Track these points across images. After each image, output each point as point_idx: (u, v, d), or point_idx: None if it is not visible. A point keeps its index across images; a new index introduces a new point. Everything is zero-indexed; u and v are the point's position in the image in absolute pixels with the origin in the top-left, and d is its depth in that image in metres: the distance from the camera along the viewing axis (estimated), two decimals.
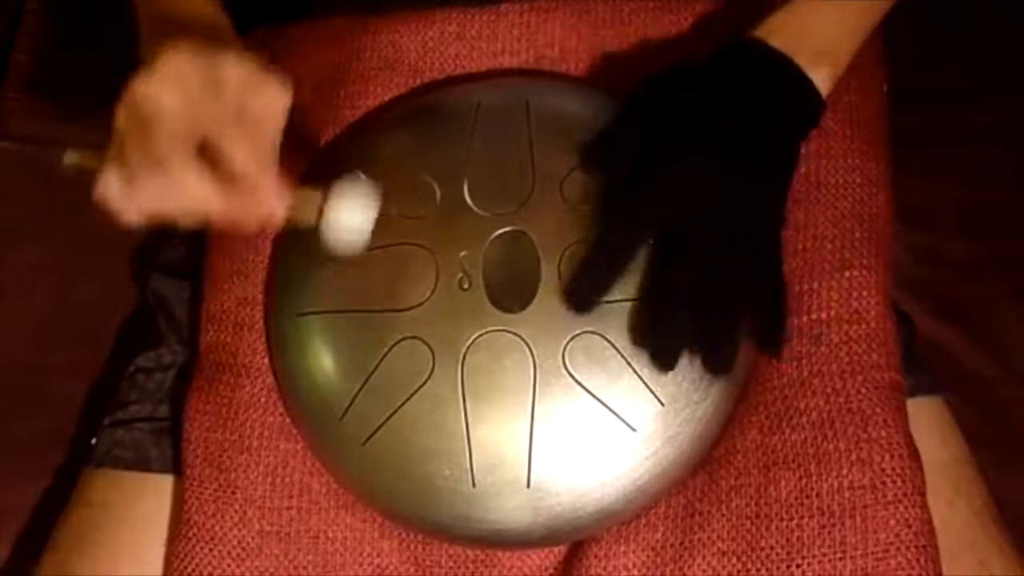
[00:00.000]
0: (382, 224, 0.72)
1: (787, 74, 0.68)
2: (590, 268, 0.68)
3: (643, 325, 0.68)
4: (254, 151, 0.61)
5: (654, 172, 0.67)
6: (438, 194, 0.73)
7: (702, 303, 0.65)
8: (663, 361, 0.67)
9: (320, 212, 0.66)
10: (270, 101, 0.63)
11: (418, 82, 0.80)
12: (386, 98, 0.80)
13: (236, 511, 0.73)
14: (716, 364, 0.66)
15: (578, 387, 0.68)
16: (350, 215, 0.66)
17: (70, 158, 0.66)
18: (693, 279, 0.65)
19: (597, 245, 0.68)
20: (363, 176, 0.67)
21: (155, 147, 0.59)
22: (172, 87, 0.59)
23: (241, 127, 0.61)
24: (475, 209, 0.72)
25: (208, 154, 0.61)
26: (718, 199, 0.66)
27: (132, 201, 0.61)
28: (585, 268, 0.68)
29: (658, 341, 0.67)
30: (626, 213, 0.67)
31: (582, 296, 0.68)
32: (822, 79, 0.69)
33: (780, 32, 0.69)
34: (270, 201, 0.62)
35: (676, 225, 0.66)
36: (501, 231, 0.71)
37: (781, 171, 0.69)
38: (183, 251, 0.87)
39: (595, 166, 0.71)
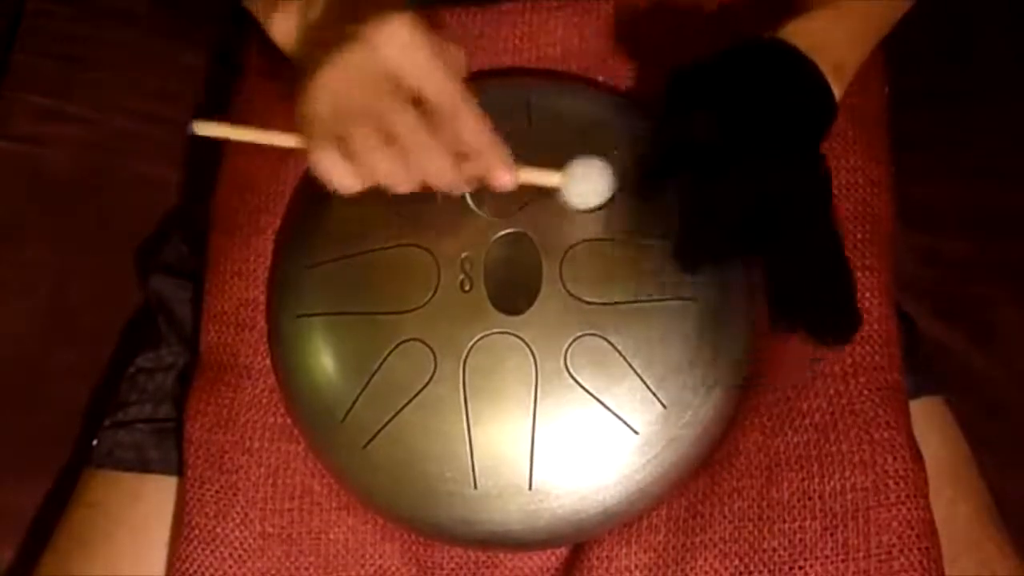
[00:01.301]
0: (383, 225, 0.72)
1: (812, 73, 0.68)
2: (696, 229, 0.66)
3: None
4: (482, 123, 0.63)
5: (737, 153, 0.65)
6: (439, 195, 0.72)
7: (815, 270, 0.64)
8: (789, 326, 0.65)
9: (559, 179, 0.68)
10: (457, 63, 0.65)
11: None
12: None
13: (237, 512, 0.73)
14: (842, 334, 0.65)
15: (580, 389, 0.68)
16: (589, 184, 0.68)
17: (199, 128, 0.68)
18: (802, 253, 0.64)
19: (694, 209, 0.66)
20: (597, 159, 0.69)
21: (399, 123, 0.61)
22: (406, 56, 0.61)
23: (468, 99, 0.63)
24: (476, 210, 0.72)
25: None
26: (799, 181, 0.65)
27: (357, 175, 0.63)
28: (691, 229, 0.66)
29: (783, 309, 0.65)
30: (715, 188, 0.65)
31: (691, 256, 0.67)
32: (834, 88, 0.68)
33: (801, 37, 0.68)
34: (502, 175, 0.65)
35: (761, 206, 0.65)
36: (502, 232, 0.71)
37: (820, 161, 0.68)
38: (184, 251, 0.87)
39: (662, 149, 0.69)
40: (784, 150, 0.65)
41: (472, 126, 0.63)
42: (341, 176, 0.63)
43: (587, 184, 0.68)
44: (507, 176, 0.65)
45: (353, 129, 0.62)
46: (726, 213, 0.65)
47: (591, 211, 0.69)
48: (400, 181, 0.64)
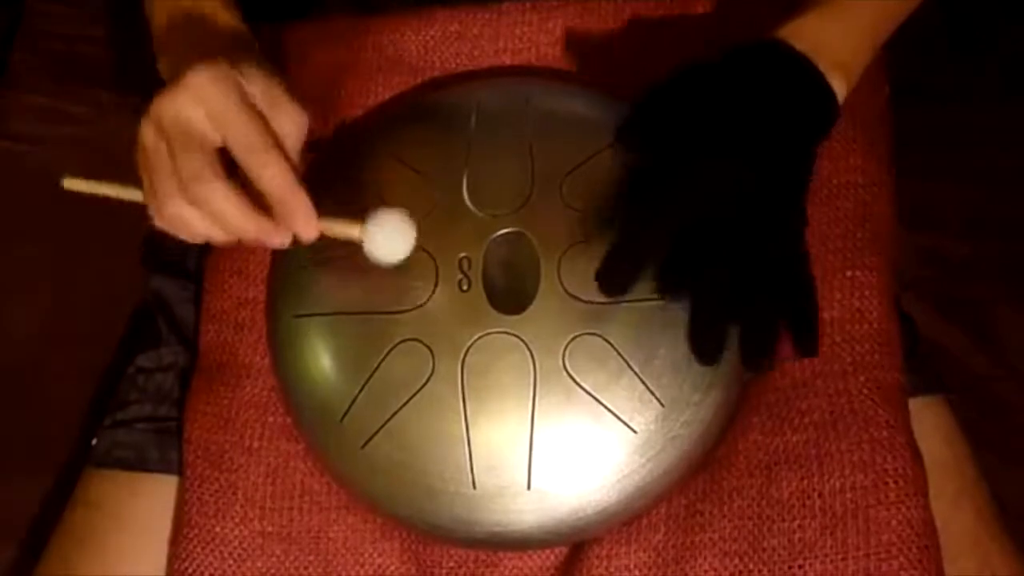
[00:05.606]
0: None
1: (809, 75, 0.68)
2: (621, 253, 0.67)
3: (688, 323, 0.67)
4: (283, 171, 0.61)
5: (684, 163, 0.66)
6: (437, 195, 0.72)
7: (741, 296, 0.64)
8: (707, 358, 0.66)
9: (359, 233, 0.65)
10: (291, 121, 0.64)
11: (418, 81, 0.80)
12: (386, 97, 0.80)
13: (237, 512, 0.73)
14: (757, 358, 0.65)
15: (578, 389, 0.68)
16: (390, 238, 0.65)
17: (69, 183, 0.68)
18: (730, 273, 0.65)
19: (626, 231, 0.67)
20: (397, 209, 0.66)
21: (184, 166, 0.60)
22: (201, 104, 0.61)
23: (272, 147, 0.61)
24: (474, 210, 0.72)
25: (237, 174, 0.62)
26: (745, 194, 0.65)
27: (162, 218, 0.63)
28: (616, 253, 0.67)
29: (702, 337, 0.66)
30: (656, 201, 0.66)
31: (613, 281, 0.67)
32: (837, 88, 0.68)
33: (801, 37, 0.68)
34: (302, 226, 0.63)
35: (704, 218, 0.65)
36: (500, 232, 0.71)
37: (802, 168, 0.68)
38: (184, 250, 0.87)
39: (625, 150, 0.70)
40: (759, 159, 0.66)
41: (272, 176, 0.61)
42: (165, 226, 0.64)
43: (387, 239, 0.65)
44: (308, 227, 0.63)
45: (152, 175, 0.62)
46: (659, 231, 0.66)
47: (394, 265, 0.66)
48: (203, 231, 0.62)
